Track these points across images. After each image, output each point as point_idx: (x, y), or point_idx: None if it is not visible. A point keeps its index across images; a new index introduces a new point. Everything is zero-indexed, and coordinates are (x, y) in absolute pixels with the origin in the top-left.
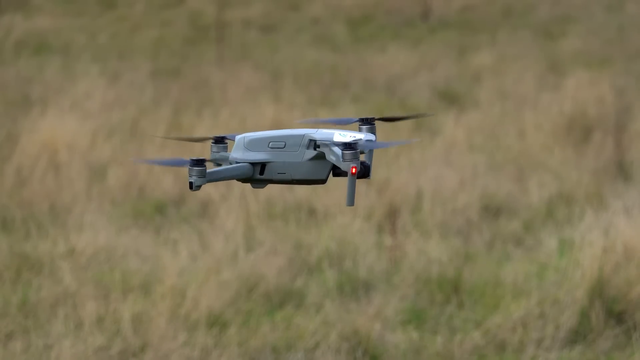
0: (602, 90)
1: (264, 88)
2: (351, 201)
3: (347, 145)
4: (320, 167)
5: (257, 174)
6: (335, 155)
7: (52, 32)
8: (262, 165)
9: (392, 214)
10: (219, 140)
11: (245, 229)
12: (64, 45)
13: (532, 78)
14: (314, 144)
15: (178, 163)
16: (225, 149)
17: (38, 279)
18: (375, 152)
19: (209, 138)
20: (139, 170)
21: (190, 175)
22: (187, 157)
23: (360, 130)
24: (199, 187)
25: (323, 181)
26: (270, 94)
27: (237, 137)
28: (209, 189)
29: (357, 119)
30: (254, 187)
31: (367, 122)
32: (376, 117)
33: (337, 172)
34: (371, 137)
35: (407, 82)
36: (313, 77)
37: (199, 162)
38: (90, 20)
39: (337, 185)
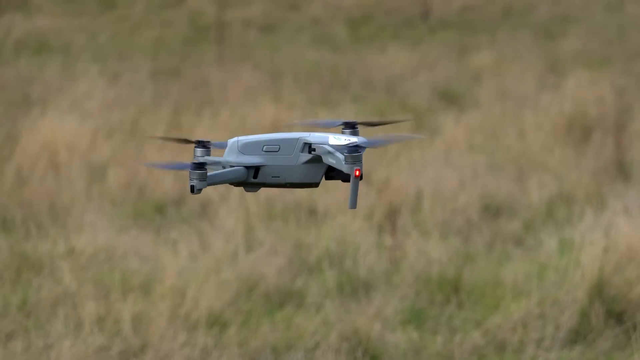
0: (602, 90)
1: (263, 88)
2: (354, 204)
3: (350, 148)
4: (314, 171)
5: (250, 178)
6: (335, 159)
7: (52, 32)
8: (256, 169)
9: (392, 214)
10: (203, 145)
11: (245, 229)
12: (64, 45)
13: (532, 78)
14: (308, 147)
15: (181, 167)
16: (209, 153)
17: (38, 279)
18: (375, 152)
19: (191, 141)
20: (139, 171)
21: (192, 179)
22: (186, 158)
23: (343, 134)
24: (200, 190)
25: (317, 184)
26: (270, 94)
27: (230, 141)
28: (208, 189)
29: (341, 122)
30: (246, 190)
31: (351, 126)
32: (358, 121)
33: (330, 175)
34: (363, 140)
35: (407, 82)
36: (313, 77)
37: (200, 166)
38: (90, 20)
39: (337, 186)
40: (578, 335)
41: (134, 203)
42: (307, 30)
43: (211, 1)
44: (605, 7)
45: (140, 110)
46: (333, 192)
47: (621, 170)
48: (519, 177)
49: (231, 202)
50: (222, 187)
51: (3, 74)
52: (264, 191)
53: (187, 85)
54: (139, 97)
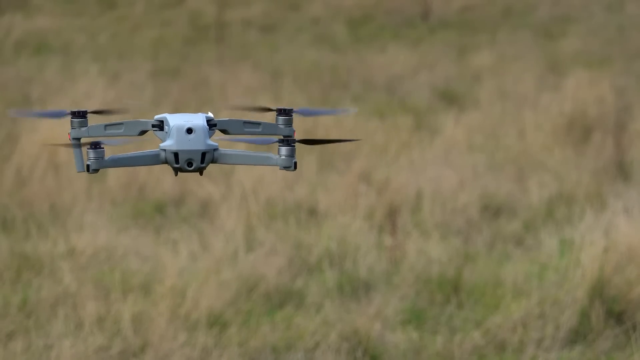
0: (602, 90)
1: (263, 88)
2: None
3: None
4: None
5: (173, 163)
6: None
7: (52, 32)
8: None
9: (392, 214)
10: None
11: (246, 229)
12: (64, 45)
13: (532, 78)
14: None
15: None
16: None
17: (38, 279)
18: (375, 152)
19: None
20: (139, 170)
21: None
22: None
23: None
24: (96, 170)
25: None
26: (270, 94)
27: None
28: (209, 188)
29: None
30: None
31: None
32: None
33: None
34: (210, 116)
35: (407, 82)
36: (313, 77)
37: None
38: (90, 20)
39: (337, 186)
40: (578, 335)
41: (134, 203)
42: (307, 30)
43: (211, 1)
44: (605, 7)
45: (140, 110)
46: (333, 192)
47: (621, 170)
48: (519, 177)
49: (231, 202)
50: (223, 187)
51: (3, 74)
52: (264, 192)
53: (187, 85)
54: (139, 97)
